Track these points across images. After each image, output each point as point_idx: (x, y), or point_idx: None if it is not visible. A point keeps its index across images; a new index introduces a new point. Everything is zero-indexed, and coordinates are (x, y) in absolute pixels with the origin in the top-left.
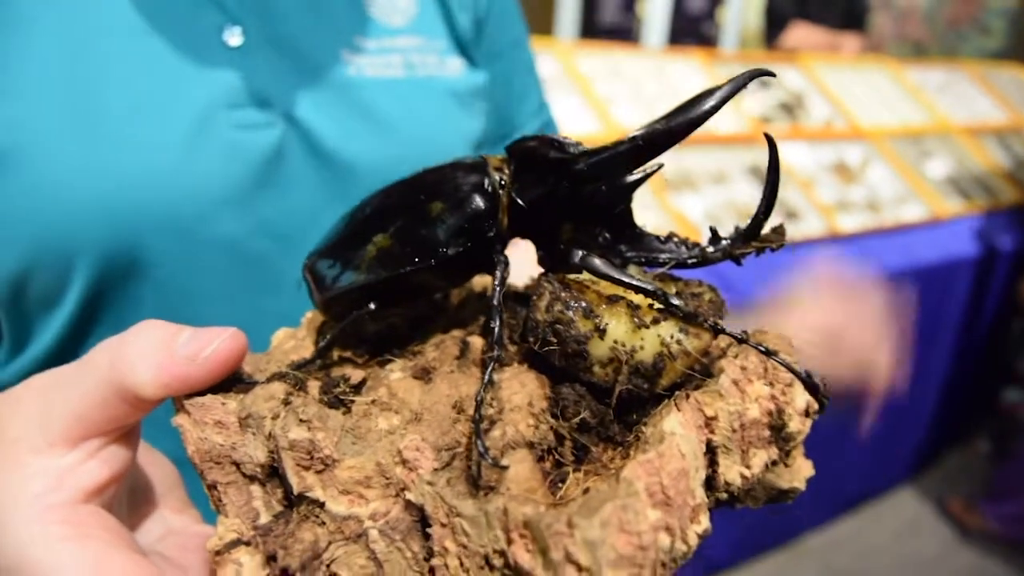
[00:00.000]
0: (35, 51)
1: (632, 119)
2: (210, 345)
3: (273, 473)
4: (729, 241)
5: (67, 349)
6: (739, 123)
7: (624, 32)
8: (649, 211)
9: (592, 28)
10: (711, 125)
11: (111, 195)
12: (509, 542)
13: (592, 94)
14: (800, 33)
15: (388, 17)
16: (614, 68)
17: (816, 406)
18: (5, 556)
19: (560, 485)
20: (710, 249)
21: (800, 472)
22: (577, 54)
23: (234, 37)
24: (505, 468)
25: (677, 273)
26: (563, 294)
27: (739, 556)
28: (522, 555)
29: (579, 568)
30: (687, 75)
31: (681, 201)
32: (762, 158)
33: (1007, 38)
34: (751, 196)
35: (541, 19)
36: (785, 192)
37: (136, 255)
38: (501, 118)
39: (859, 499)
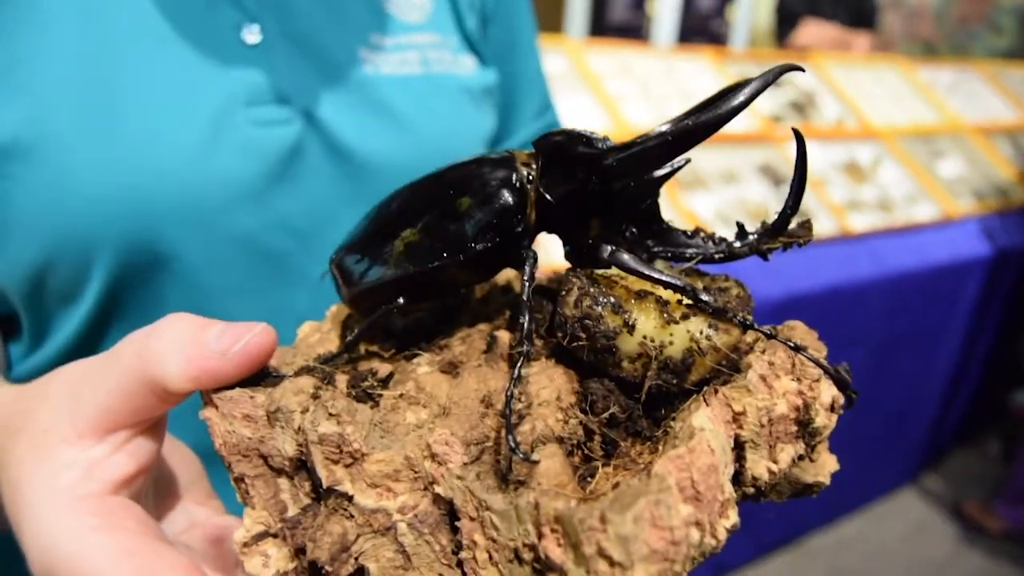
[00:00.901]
0: (55, 48)
1: (641, 117)
2: (241, 340)
3: (301, 466)
4: (756, 236)
5: (87, 344)
6: (750, 122)
7: (634, 30)
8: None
9: (602, 26)
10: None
11: (130, 189)
12: (540, 536)
13: (602, 92)
14: (811, 30)
15: (406, 13)
16: (624, 66)
17: (842, 400)
18: (38, 545)
19: (589, 479)
20: (737, 244)
21: (825, 466)
22: (587, 52)
23: (252, 35)
24: (536, 463)
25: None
26: (592, 289)
27: (746, 556)
28: (553, 549)
29: (611, 563)
30: (697, 74)
31: (692, 200)
32: (773, 157)
33: (1018, 37)
34: (762, 195)
35: (551, 17)
36: None
37: (155, 249)
38: (504, 118)
39: (866, 500)
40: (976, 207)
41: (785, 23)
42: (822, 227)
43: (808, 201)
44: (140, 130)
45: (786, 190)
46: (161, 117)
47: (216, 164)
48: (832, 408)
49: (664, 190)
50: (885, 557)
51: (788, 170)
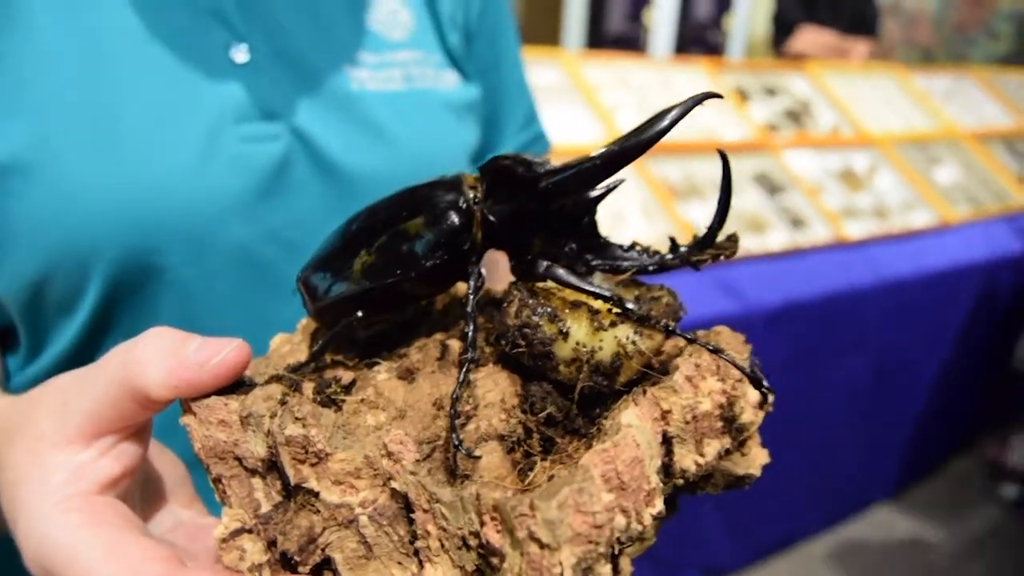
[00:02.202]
0: (53, 69)
1: None
2: (218, 354)
3: (272, 467)
4: (686, 249)
5: (82, 354)
6: (745, 131)
7: (631, 41)
8: (656, 219)
9: (599, 37)
10: (717, 133)
11: (126, 205)
12: (482, 524)
13: (598, 103)
14: (808, 37)
15: (389, 31)
16: (620, 77)
17: (770, 398)
18: (32, 541)
19: (529, 473)
20: (669, 256)
21: (755, 460)
22: (583, 64)
23: (240, 54)
24: (478, 458)
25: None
26: (530, 301)
27: (744, 560)
28: (493, 535)
29: (541, 545)
30: (693, 84)
31: (688, 209)
32: (769, 166)
33: (1016, 42)
34: (757, 204)
35: (548, 29)
36: (792, 199)
37: (149, 262)
38: (489, 131)
39: (866, 505)
40: (973, 213)
41: (781, 31)
42: (818, 235)
43: (804, 209)
44: (135, 148)
45: (782, 199)
46: (155, 135)
47: (208, 180)
48: (760, 405)
49: (659, 200)
50: (886, 563)
51: (783, 179)
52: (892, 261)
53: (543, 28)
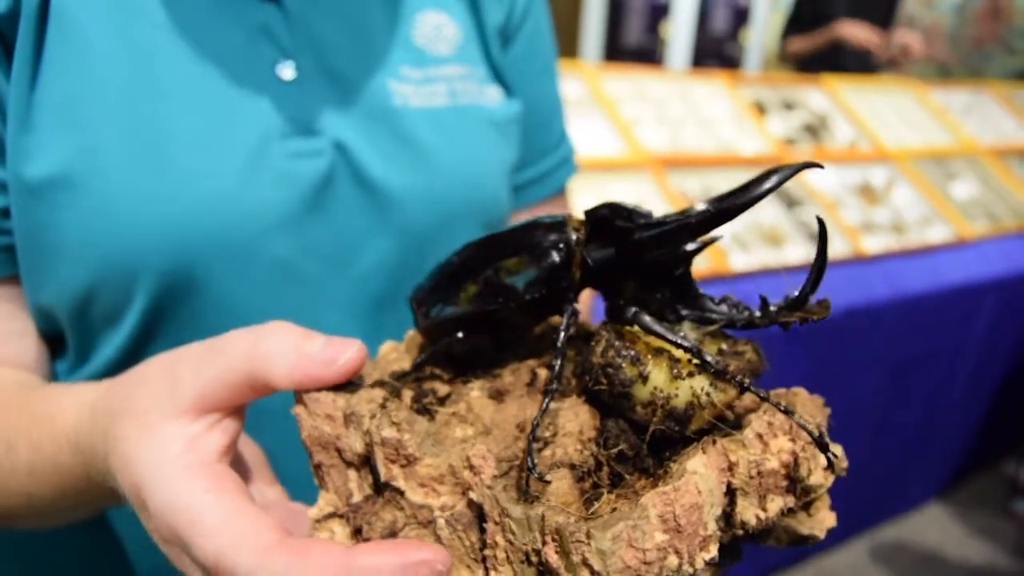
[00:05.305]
0: (104, 84)
1: (656, 141)
2: (344, 354)
3: (366, 462)
4: (776, 309)
5: (127, 363)
6: (763, 145)
7: (648, 54)
8: None
9: (616, 50)
10: (736, 147)
11: (172, 219)
12: (543, 543)
13: (617, 116)
14: (847, 29)
15: (434, 46)
16: (638, 90)
17: (843, 463)
18: (157, 504)
19: (595, 503)
20: (758, 315)
21: (822, 523)
22: (602, 76)
23: (288, 71)
24: (548, 483)
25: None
26: (616, 343)
27: (763, 573)
28: (551, 555)
29: (592, 571)
30: (711, 97)
31: None
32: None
33: None
34: (776, 218)
35: (566, 42)
36: (809, 214)
37: (193, 275)
38: (523, 149)
39: (881, 521)
40: (991, 229)
41: (793, 28)
42: (835, 250)
43: None
44: (182, 164)
45: (799, 213)
46: (201, 151)
47: (253, 195)
48: (832, 469)
49: (677, 209)
50: None
51: (801, 193)
52: (909, 276)
53: (561, 41)
